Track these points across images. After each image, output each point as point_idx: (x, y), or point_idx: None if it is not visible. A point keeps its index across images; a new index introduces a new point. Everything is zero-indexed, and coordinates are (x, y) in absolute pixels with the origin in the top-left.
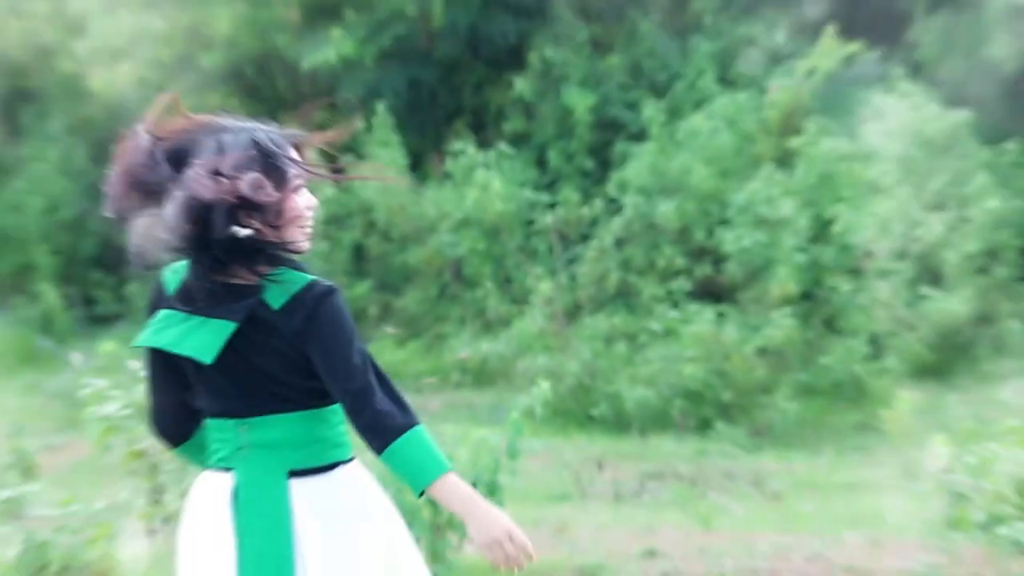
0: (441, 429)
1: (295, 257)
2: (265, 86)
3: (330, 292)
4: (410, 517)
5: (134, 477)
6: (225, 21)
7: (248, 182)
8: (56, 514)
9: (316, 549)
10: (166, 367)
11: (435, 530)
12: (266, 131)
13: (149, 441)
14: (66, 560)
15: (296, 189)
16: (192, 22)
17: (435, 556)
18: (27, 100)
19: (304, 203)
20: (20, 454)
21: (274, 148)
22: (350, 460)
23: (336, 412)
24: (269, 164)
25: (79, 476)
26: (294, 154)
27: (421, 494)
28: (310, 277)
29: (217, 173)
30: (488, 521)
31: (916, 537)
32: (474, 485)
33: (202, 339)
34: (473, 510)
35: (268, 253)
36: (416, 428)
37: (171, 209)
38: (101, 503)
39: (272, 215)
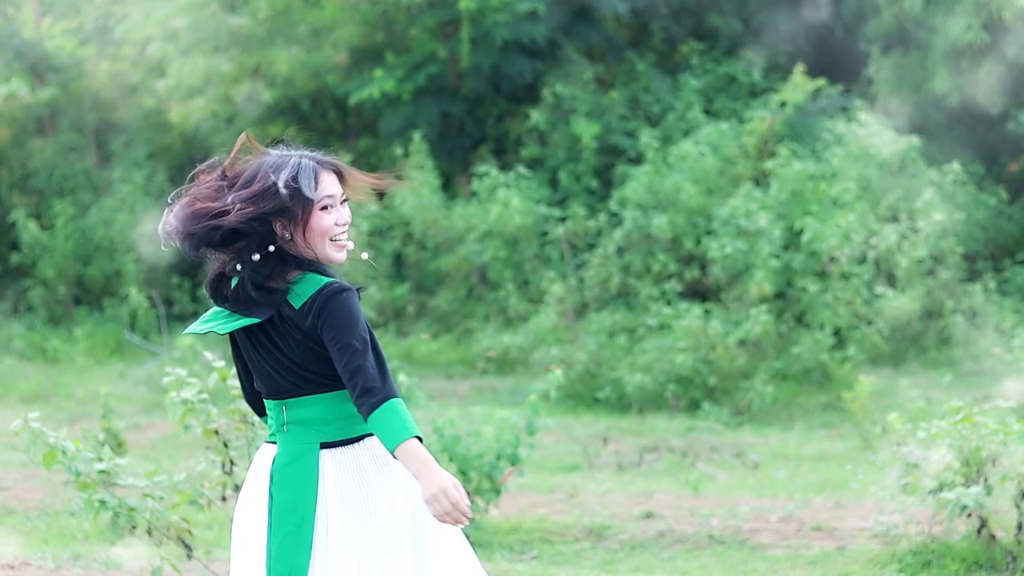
0: (471, 410)
1: (331, 264)
2: (317, 118)
3: (340, 291)
4: None
5: (209, 452)
6: (284, 63)
7: (183, 215)
8: (143, 483)
9: (335, 507)
10: (239, 357)
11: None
12: (305, 159)
13: (221, 421)
14: (152, 522)
15: (325, 208)
16: (255, 64)
17: None
18: (115, 131)
19: (334, 220)
20: (111, 432)
21: (296, 176)
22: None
23: None
24: (294, 188)
25: (160, 451)
26: (329, 179)
27: (393, 453)
28: (327, 279)
29: (193, 201)
30: (432, 479)
31: (874, 501)
32: (498, 458)
33: (226, 325)
34: (424, 470)
35: (297, 261)
36: (393, 400)
37: (169, 220)
38: (182, 474)
39: (300, 231)
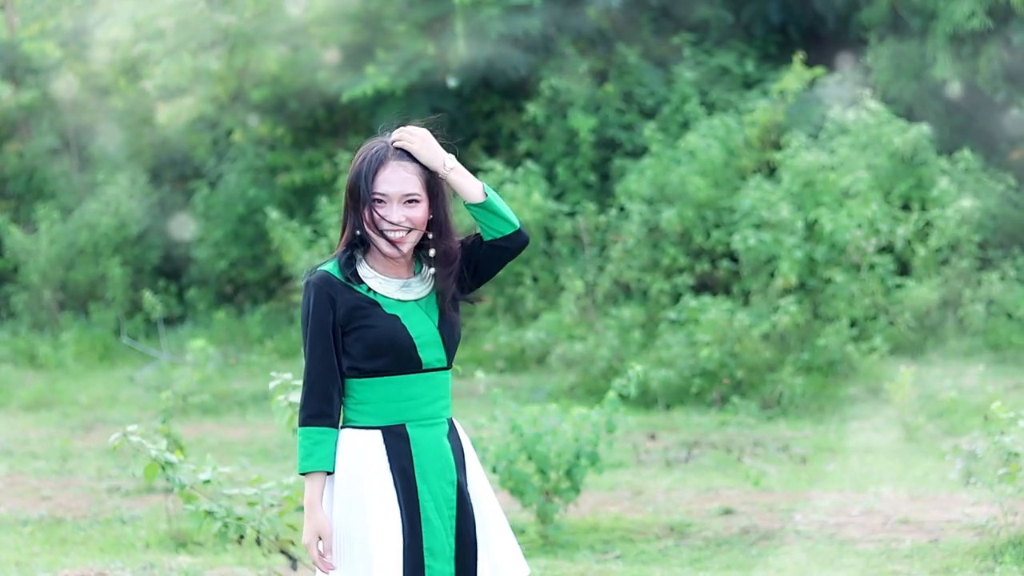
0: (549, 408)
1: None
2: (306, 116)
3: (304, 285)
4: (522, 485)
5: None
6: (272, 62)
7: None
8: (234, 491)
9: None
10: None
11: (545, 495)
12: (380, 150)
13: None
14: (259, 531)
15: (381, 202)
16: (243, 63)
17: (544, 517)
18: (92, 133)
19: (383, 214)
20: (171, 437)
21: (357, 169)
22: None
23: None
24: (353, 180)
25: (194, 454)
26: (394, 175)
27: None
28: (317, 267)
29: None
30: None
31: (949, 492)
32: (577, 457)
33: None
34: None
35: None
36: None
37: None
38: (291, 477)
39: (362, 221)
